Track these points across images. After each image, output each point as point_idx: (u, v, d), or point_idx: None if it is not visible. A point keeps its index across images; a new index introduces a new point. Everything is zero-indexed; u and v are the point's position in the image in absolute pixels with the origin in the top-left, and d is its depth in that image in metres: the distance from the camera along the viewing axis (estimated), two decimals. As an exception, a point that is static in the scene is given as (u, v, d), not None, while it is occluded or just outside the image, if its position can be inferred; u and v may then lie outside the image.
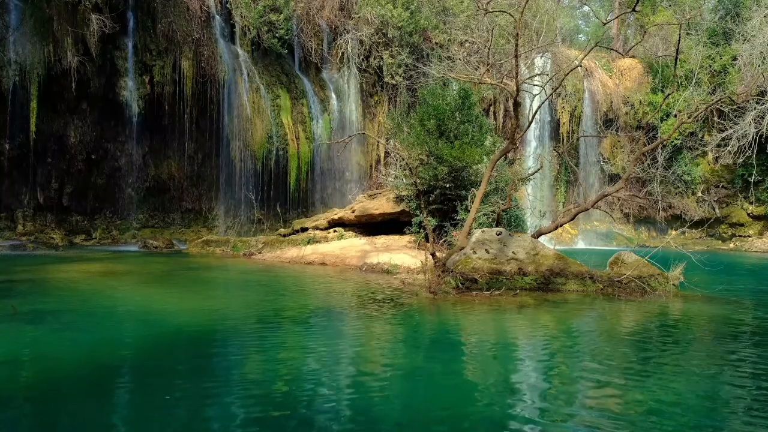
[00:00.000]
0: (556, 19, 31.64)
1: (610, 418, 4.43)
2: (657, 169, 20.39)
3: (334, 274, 13.97)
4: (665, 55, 27.55)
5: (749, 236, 28.63)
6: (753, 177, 27.44)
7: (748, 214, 28.97)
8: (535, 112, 12.76)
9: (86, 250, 19.47)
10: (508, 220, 15.74)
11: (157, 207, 24.78)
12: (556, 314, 8.91)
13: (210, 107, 23.63)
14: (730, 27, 28.61)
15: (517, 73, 11.19)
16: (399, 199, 18.73)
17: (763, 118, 24.89)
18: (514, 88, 11.42)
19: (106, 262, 15.58)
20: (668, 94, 14.85)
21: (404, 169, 18.40)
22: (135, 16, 22.13)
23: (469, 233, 11.78)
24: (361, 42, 26.44)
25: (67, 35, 20.31)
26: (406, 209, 18.06)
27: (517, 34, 10.92)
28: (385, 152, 26.26)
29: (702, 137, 28.88)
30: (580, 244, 29.05)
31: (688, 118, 15.85)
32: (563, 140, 30.14)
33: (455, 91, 18.58)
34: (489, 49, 17.54)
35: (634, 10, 14.15)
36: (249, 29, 24.71)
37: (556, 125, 30.17)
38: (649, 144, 23.72)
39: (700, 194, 29.72)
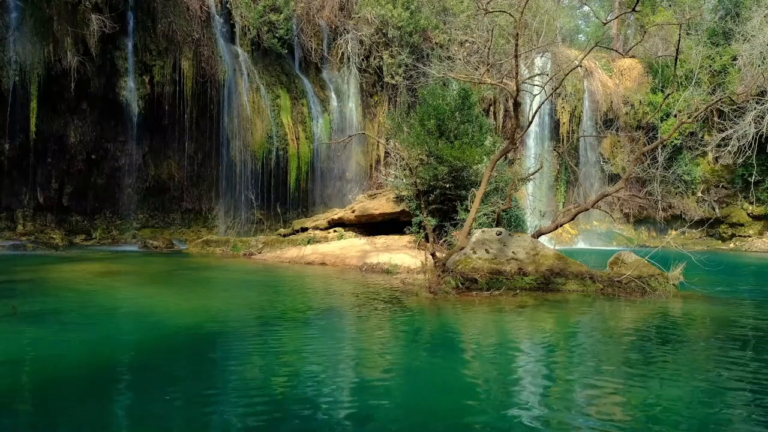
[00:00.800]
0: (556, 19, 31.64)
1: (610, 418, 4.43)
2: (657, 169, 20.38)
3: (334, 274, 13.97)
4: (665, 55, 27.55)
5: (749, 236, 28.63)
6: (753, 177, 27.44)
7: (748, 214, 28.96)
8: (535, 112, 12.75)
9: (86, 250, 19.47)
10: (508, 220, 15.74)
11: (157, 207, 24.77)
12: (556, 314, 8.91)
13: (210, 107, 23.62)
14: (730, 27, 28.61)
15: (517, 73, 11.19)
16: (399, 199, 18.73)
17: (763, 118, 24.88)
18: (514, 88, 11.42)
19: (106, 262, 15.58)
20: (668, 94, 14.86)
21: (404, 169, 18.40)
22: (135, 16, 22.12)
23: (469, 233, 11.78)
24: (361, 42, 26.44)
25: (67, 35, 20.31)
26: (406, 209, 18.06)
27: (517, 34, 10.92)
28: (385, 152, 26.26)
29: (702, 137, 28.88)
30: (580, 244, 29.05)
31: (688, 118, 15.85)
32: (563, 140, 30.13)
33: (455, 91, 18.58)
34: (489, 49, 17.54)
35: (634, 10, 14.16)
36: (249, 29, 24.71)
37: (556, 125, 30.17)
38: (649, 144, 23.72)
39: (700, 194, 29.72)
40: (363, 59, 26.74)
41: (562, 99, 29.62)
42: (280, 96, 25.08)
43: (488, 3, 13.77)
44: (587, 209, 13.88)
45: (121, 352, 6.29)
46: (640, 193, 27.80)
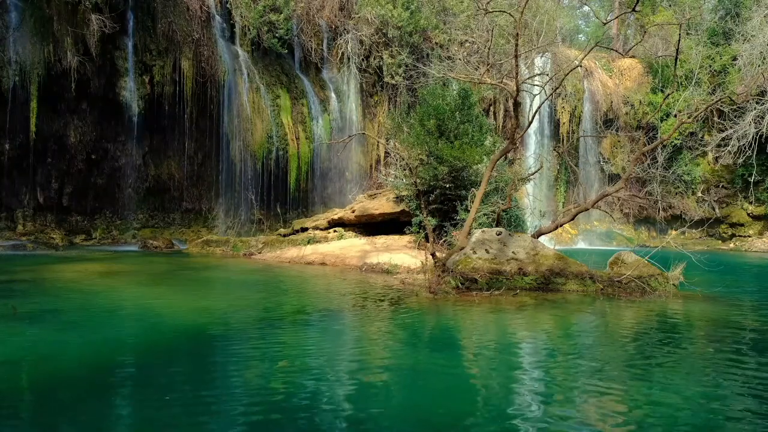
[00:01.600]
0: (556, 19, 31.64)
1: (610, 418, 4.44)
2: (657, 169, 20.37)
3: (334, 274, 13.98)
4: (665, 55, 27.55)
5: (749, 236, 28.62)
6: (753, 177, 27.44)
7: (748, 214, 28.96)
8: (535, 112, 12.76)
9: (86, 250, 19.47)
10: (508, 220, 15.74)
11: (157, 207, 24.77)
12: (556, 314, 8.91)
13: (210, 107, 23.62)
14: (730, 27, 28.61)
15: (517, 73, 11.19)
16: (399, 199, 18.73)
17: (763, 118, 24.88)
18: (514, 88, 11.42)
19: (106, 262, 15.58)
20: (668, 94, 14.86)
21: (404, 169, 18.40)
22: (135, 16, 22.12)
23: (469, 233, 11.78)
24: (361, 42, 26.44)
25: (67, 35, 20.31)
26: (406, 209, 18.06)
27: (517, 34, 10.92)
28: (385, 152, 26.26)
29: (702, 137, 28.88)
30: (580, 244, 29.05)
31: (688, 118, 15.86)
32: (563, 140, 30.14)
33: (455, 91, 18.58)
34: (489, 49, 17.54)
35: (634, 10, 14.16)
36: (249, 29, 24.71)
37: (556, 125, 30.17)
38: (649, 144, 23.72)
39: (700, 194, 29.72)
40: (363, 59, 26.74)
41: (562, 99, 29.62)
42: (280, 96, 25.08)
43: (488, 3, 13.77)
44: (587, 209, 13.88)
45: (120, 353, 6.29)
46: (640, 193, 27.80)
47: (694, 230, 27.81)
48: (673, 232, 27.05)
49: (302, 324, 8.07)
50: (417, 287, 11.15)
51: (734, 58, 27.97)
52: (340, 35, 26.64)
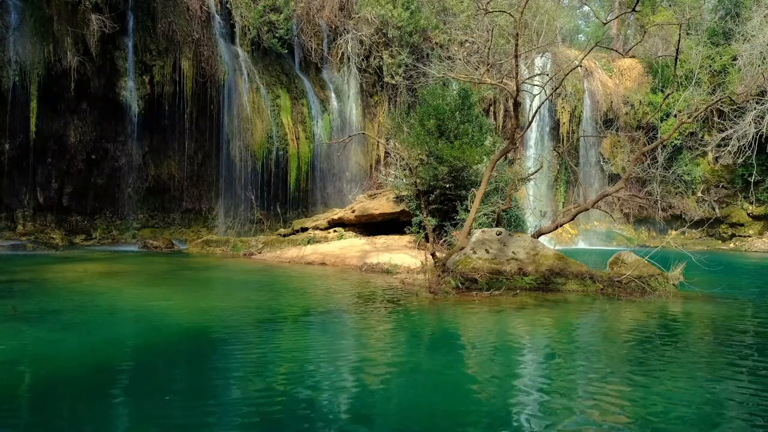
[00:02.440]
0: (556, 19, 31.65)
1: (610, 418, 4.44)
2: (657, 169, 20.38)
3: (334, 274, 13.97)
4: (665, 55, 27.55)
5: (749, 236, 28.62)
6: (753, 177, 27.43)
7: (748, 214, 28.96)
8: (535, 112, 12.76)
9: (86, 250, 19.47)
10: (508, 220, 15.74)
11: (157, 207, 24.77)
12: (556, 314, 8.91)
13: (210, 107, 23.62)
14: (730, 27, 28.61)
15: (517, 73, 11.20)
16: (399, 199, 18.73)
17: (763, 118, 24.88)
18: (514, 88, 11.42)
19: (106, 262, 15.58)
20: (668, 94, 14.85)
21: (404, 169, 18.40)
22: (135, 16, 22.12)
23: (469, 233, 11.78)
24: (361, 42, 26.45)
25: (67, 35, 20.31)
26: (406, 209, 18.06)
27: (517, 34, 10.92)
28: (385, 152, 26.26)
29: (702, 137, 28.88)
30: (580, 244, 29.05)
31: (688, 118, 15.86)
32: (563, 140, 30.14)
33: (455, 91, 18.58)
34: (489, 49, 17.54)
35: (634, 10, 14.16)
36: (249, 29, 24.71)
37: (556, 125, 30.17)
38: (649, 144, 23.72)
39: (700, 194, 29.72)
40: (363, 59, 26.74)
41: (562, 99, 29.62)
42: (280, 96, 25.08)
43: (488, 3, 13.77)
44: (587, 209, 13.88)
45: (120, 353, 6.29)
46: (640, 193, 27.80)
47: (694, 230, 27.82)
48: (673, 232, 27.05)
49: (302, 324, 8.07)
50: (417, 287, 11.14)
51: (734, 58, 27.97)
52: (340, 35, 26.64)
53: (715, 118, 28.08)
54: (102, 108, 22.35)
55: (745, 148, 25.75)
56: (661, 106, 15.68)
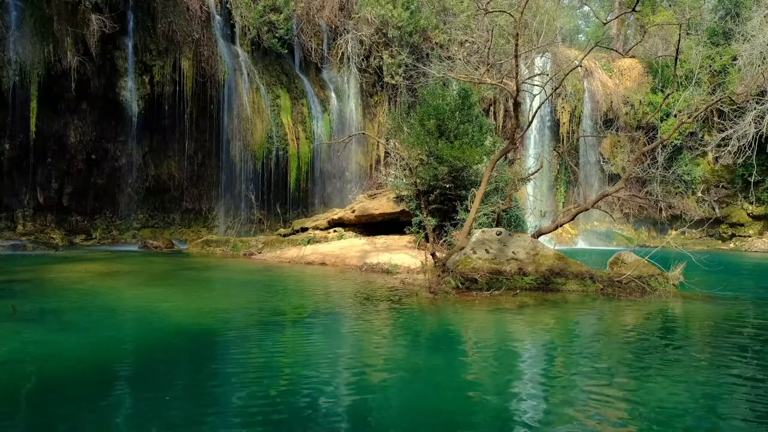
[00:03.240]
0: (556, 19, 31.64)
1: (610, 418, 4.44)
2: (657, 169, 20.37)
3: (334, 274, 13.98)
4: (665, 55, 27.55)
5: (749, 236, 28.62)
6: (753, 177, 27.43)
7: (748, 214, 28.96)
8: (535, 112, 12.75)
9: (86, 250, 19.47)
10: (508, 220, 15.74)
11: (157, 207, 24.77)
12: (556, 314, 8.91)
13: (210, 107, 23.62)
14: (730, 27, 28.61)
15: (517, 73, 11.19)
16: (399, 199, 18.73)
17: (763, 118, 24.88)
18: (514, 88, 11.42)
19: (106, 262, 15.58)
20: (668, 94, 14.85)
21: (404, 169, 18.40)
22: (135, 16, 22.12)
23: (469, 233, 11.78)
24: (361, 42, 26.44)
25: (67, 35, 20.31)
26: (406, 209, 18.06)
27: (517, 34, 10.92)
28: (385, 152, 26.26)
29: (702, 137, 28.88)
30: (580, 244, 29.05)
31: (688, 118, 15.86)
32: (563, 140, 30.14)
33: (455, 91, 18.57)
34: (489, 49, 17.53)
35: (634, 10, 14.16)
36: (249, 29, 24.70)
37: (556, 125, 30.17)
38: (649, 144, 23.71)
39: (700, 194, 29.72)
40: (363, 59, 26.74)
41: (562, 99, 29.62)
42: (280, 96, 25.08)
43: (488, 3, 13.77)
44: (587, 209, 13.87)
45: (120, 353, 6.29)
46: (640, 193, 27.79)
47: (694, 230, 27.80)
48: (673, 232, 27.04)
49: (302, 324, 8.07)
50: (417, 287, 11.14)
51: (734, 58, 27.97)
52: (340, 35, 26.64)
53: (715, 118, 28.08)
54: (102, 108, 22.35)
55: (745, 148, 25.74)
56: (661, 106, 15.68)
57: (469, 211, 12.72)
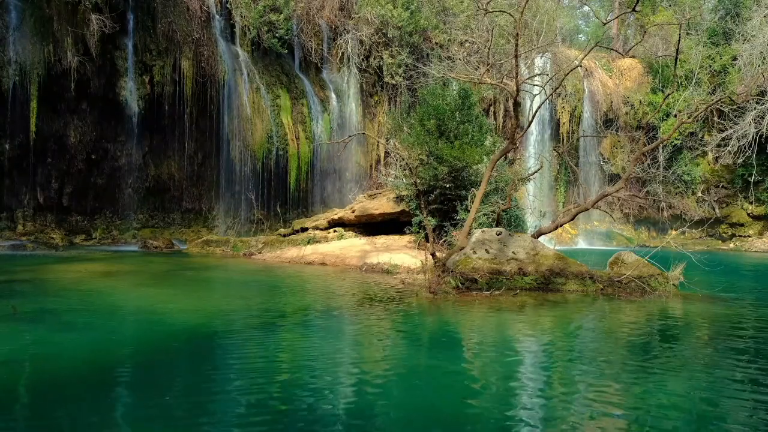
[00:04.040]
0: (556, 19, 31.63)
1: (610, 418, 4.43)
2: (657, 169, 20.38)
3: (334, 274, 13.98)
4: (665, 55, 27.54)
5: (749, 236, 28.62)
6: (753, 177, 27.42)
7: (748, 214, 28.96)
8: (535, 112, 12.75)
9: (86, 250, 19.47)
10: (508, 220, 15.74)
11: (157, 207, 24.77)
12: (556, 314, 8.91)
13: (210, 107, 23.61)
14: (730, 27, 28.60)
15: (517, 73, 11.19)
16: (399, 199, 18.73)
17: (763, 118, 24.88)
18: (514, 88, 11.42)
19: (106, 262, 15.58)
20: (668, 94, 14.85)
21: (404, 169, 18.40)
22: (135, 16, 22.11)
23: (469, 233, 11.78)
24: (361, 42, 26.44)
25: (67, 35, 20.30)
26: (406, 209, 18.06)
27: (517, 34, 10.92)
28: (385, 152, 26.25)
29: (702, 137, 28.88)
30: (580, 244, 29.05)
31: (688, 118, 15.87)
32: (563, 140, 30.13)
33: (455, 91, 18.57)
34: (489, 49, 17.53)
35: (634, 10, 14.16)
36: (249, 29, 24.70)
37: (556, 125, 30.17)
38: (649, 144, 23.71)
39: (700, 194, 29.71)
40: (363, 59, 26.73)
41: (562, 99, 29.61)
42: (280, 96, 25.07)
43: (488, 3, 13.77)
44: (587, 209, 13.87)
45: (120, 353, 6.29)
46: (640, 193, 27.79)
47: (694, 230, 27.80)
48: (673, 232, 27.03)
49: (302, 324, 8.07)
50: (417, 287, 11.14)
51: (734, 58, 27.96)
52: (340, 35, 26.64)
53: (715, 118, 28.07)
54: (102, 108, 22.34)
55: (745, 148, 25.74)
56: (661, 106, 15.68)
57: (469, 211, 12.72)
